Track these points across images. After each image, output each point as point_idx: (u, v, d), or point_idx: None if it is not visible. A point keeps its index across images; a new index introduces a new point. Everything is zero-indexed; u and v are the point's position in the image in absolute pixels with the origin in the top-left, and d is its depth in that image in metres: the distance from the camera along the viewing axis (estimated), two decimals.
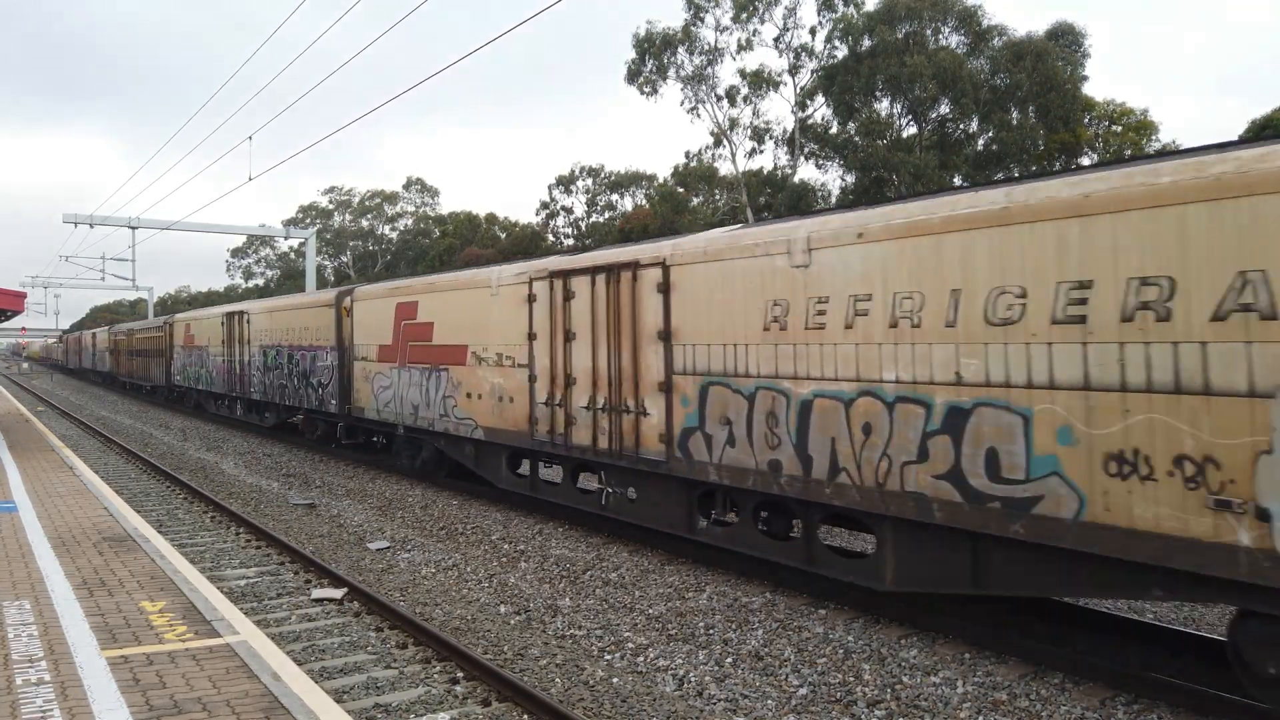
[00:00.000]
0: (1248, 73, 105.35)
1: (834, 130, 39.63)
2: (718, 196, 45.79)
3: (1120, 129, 37.59)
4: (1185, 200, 6.80)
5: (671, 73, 40.45)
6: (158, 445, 27.91)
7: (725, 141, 42.39)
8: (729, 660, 9.00)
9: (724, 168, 44.87)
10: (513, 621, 10.30)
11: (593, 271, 13.03)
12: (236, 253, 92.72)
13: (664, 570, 12.21)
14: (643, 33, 39.87)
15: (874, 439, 9.04)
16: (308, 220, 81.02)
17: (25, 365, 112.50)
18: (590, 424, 13.09)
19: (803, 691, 8.22)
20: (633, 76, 40.80)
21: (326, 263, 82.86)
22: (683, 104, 41.48)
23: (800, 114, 40.54)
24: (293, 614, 10.42)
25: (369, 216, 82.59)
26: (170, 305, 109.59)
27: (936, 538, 8.87)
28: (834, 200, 40.54)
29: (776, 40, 39.83)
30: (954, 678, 8.42)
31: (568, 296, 13.61)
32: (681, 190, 49.63)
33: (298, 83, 50.74)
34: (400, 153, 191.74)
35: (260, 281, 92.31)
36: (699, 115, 41.59)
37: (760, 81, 40.47)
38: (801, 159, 40.88)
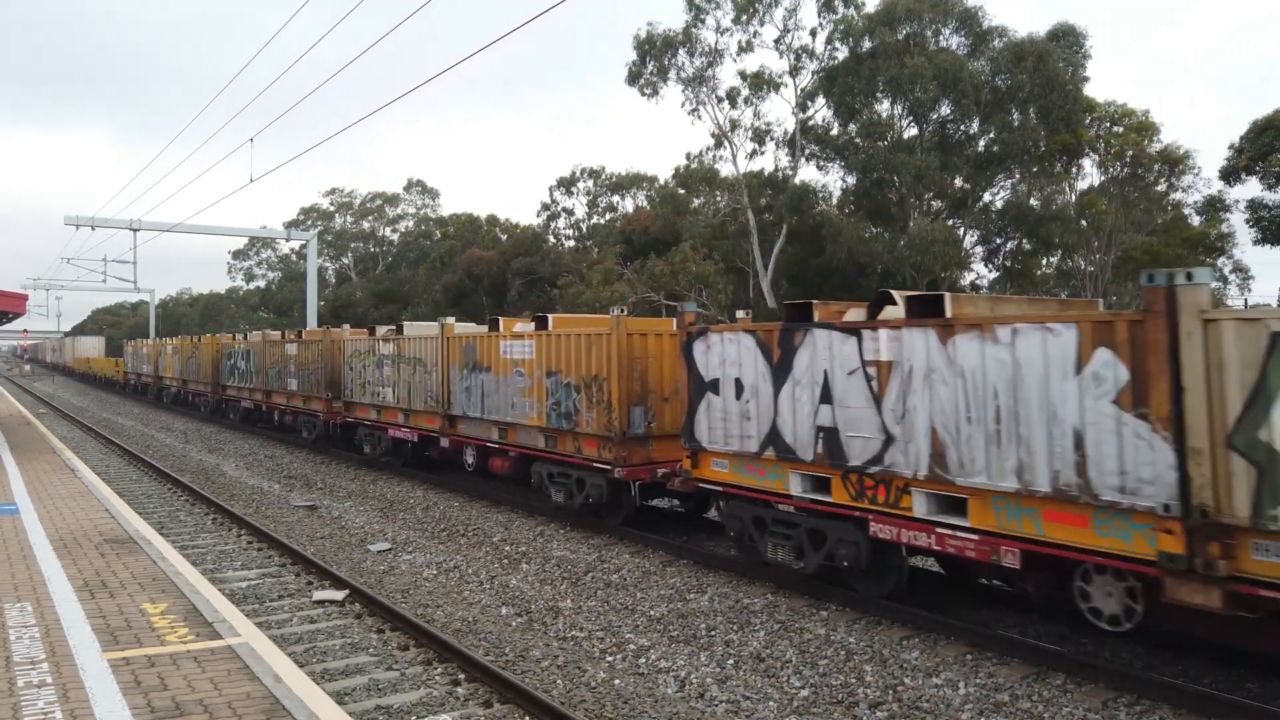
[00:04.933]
0: (1248, 74, 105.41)
1: (835, 132, 39.56)
2: (719, 198, 45.70)
3: (1121, 130, 37.54)
4: None
5: (672, 74, 40.36)
6: (159, 448, 27.92)
7: (726, 143, 42.33)
8: (730, 662, 9.00)
9: (725, 169, 44.80)
10: (514, 623, 10.30)
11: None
12: (238, 254, 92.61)
13: (665, 572, 12.21)
14: (643, 34, 39.85)
15: None
16: (309, 222, 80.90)
17: (27, 368, 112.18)
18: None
19: (804, 693, 8.22)
20: (633, 78, 40.71)
21: (328, 264, 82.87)
22: (683, 105, 41.38)
23: (801, 115, 40.48)
24: (294, 616, 10.42)
25: (370, 218, 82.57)
26: (171, 307, 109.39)
27: None
28: (834, 201, 40.53)
29: (777, 42, 39.73)
30: (956, 679, 8.41)
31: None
32: (682, 192, 49.58)
33: (298, 85, 50.81)
34: (401, 154, 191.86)
35: (261, 284, 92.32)
36: (700, 117, 41.52)
37: (761, 83, 40.39)
38: (802, 160, 40.82)
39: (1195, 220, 37.73)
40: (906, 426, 9.38)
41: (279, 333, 30.65)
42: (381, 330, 22.11)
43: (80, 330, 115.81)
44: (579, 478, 14.90)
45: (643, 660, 9.06)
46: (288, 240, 72.00)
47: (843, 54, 38.18)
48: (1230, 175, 31.34)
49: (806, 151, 40.98)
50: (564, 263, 48.58)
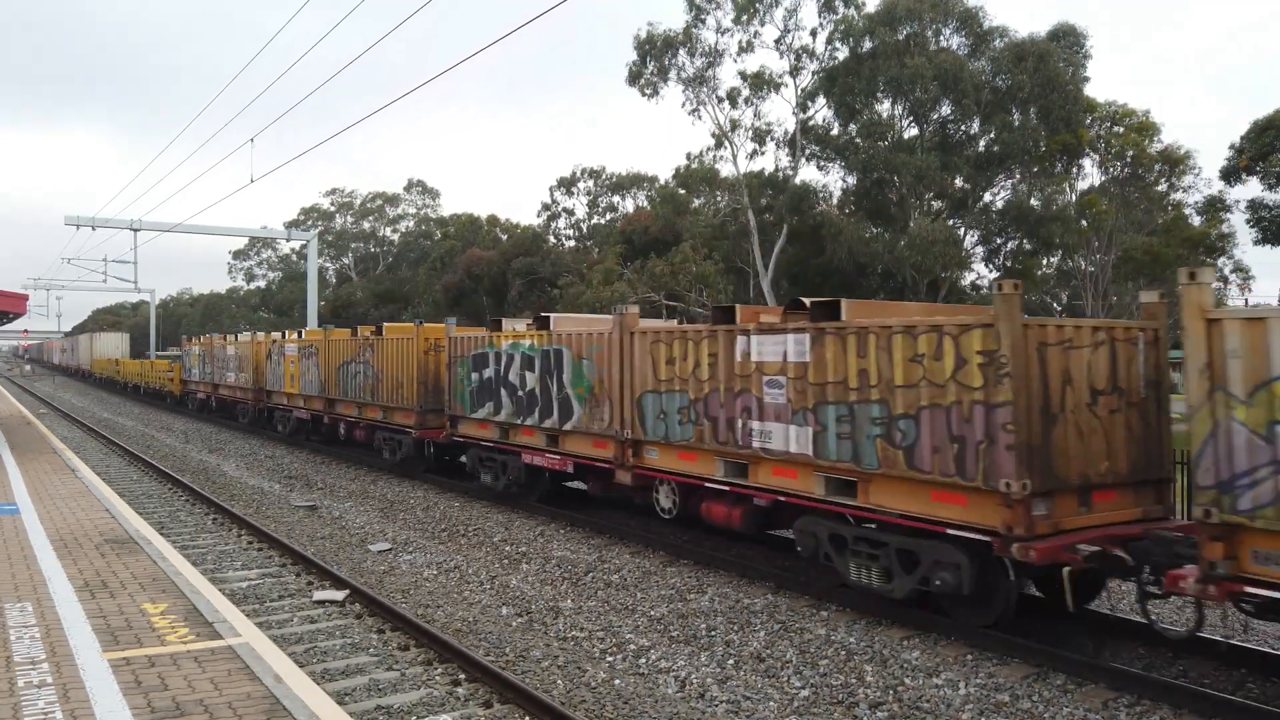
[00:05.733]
0: (1249, 74, 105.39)
1: (835, 132, 39.57)
2: (719, 198, 45.72)
3: (1122, 130, 37.56)
4: None
5: (673, 74, 40.38)
6: (160, 448, 27.92)
7: (726, 143, 42.31)
8: (731, 662, 9.00)
9: (725, 169, 44.82)
10: (514, 623, 10.30)
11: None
12: (238, 255, 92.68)
13: (665, 572, 12.21)
14: (643, 34, 39.85)
15: None
16: (309, 222, 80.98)
17: (28, 368, 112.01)
18: None
19: (805, 693, 8.22)
20: (634, 78, 40.71)
21: (329, 264, 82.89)
22: (684, 106, 41.39)
23: (801, 115, 40.50)
24: (294, 616, 10.42)
25: (370, 218, 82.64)
26: (171, 307, 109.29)
27: None
28: (835, 201, 40.50)
29: (777, 42, 39.73)
30: (956, 679, 8.41)
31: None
32: (683, 192, 49.59)
33: (299, 85, 50.90)
34: (401, 154, 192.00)
35: (262, 284, 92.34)
36: (700, 117, 41.52)
37: (761, 83, 40.39)
38: (803, 160, 40.83)
39: (1195, 220, 37.77)
40: None
41: (665, 318, 16.18)
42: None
43: (82, 329, 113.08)
44: None
45: (643, 660, 9.06)
46: (288, 240, 72.03)
47: (843, 54, 38.19)
48: (1230, 175, 31.37)
49: (807, 152, 40.99)
50: (564, 263, 48.59)
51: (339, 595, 11.03)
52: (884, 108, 38.12)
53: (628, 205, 58.81)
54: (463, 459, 18.55)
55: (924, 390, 9.48)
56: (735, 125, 41.85)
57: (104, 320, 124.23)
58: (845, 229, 36.17)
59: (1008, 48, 36.14)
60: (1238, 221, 34.68)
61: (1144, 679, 8.05)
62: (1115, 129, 37.74)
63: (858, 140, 37.77)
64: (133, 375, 51.21)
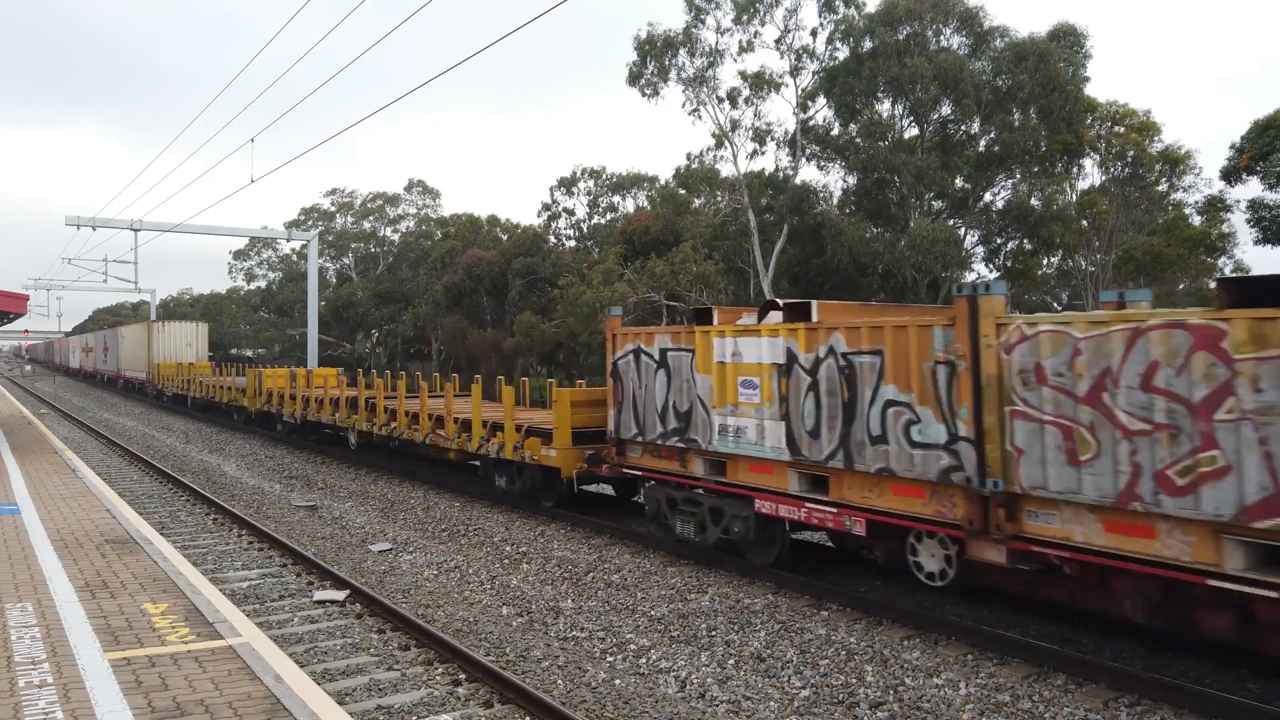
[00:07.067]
0: (1251, 75, 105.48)
1: (835, 132, 39.53)
2: (719, 198, 45.68)
3: (1122, 130, 37.51)
4: None
5: (673, 75, 40.32)
6: (160, 448, 27.92)
7: (727, 143, 42.26)
8: (731, 662, 9.00)
9: (726, 169, 44.79)
10: (515, 623, 10.30)
11: None
12: (239, 255, 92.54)
13: (666, 572, 12.22)
14: (643, 34, 39.81)
15: None
16: (309, 222, 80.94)
17: (29, 368, 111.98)
18: None
19: (805, 693, 8.22)
20: (634, 79, 40.64)
21: (329, 265, 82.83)
22: (684, 106, 41.36)
23: (801, 115, 40.44)
24: (295, 616, 10.42)
25: (371, 218, 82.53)
26: (172, 308, 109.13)
27: None
28: (835, 201, 40.47)
29: (777, 42, 39.66)
30: (957, 679, 8.42)
31: None
32: (683, 192, 49.53)
33: (299, 85, 51.01)
34: (401, 154, 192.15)
35: (262, 284, 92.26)
36: (700, 117, 41.45)
37: (761, 83, 40.33)
38: (803, 160, 40.79)
39: (1196, 220, 37.76)
40: None
41: None
42: None
43: (82, 329, 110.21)
44: None
45: (643, 660, 9.06)
46: (288, 240, 72.04)
47: (843, 54, 38.16)
48: (1231, 175, 31.31)
49: (807, 151, 40.96)
50: (565, 263, 48.58)
51: (339, 595, 11.04)
52: (884, 108, 38.08)
53: (628, 205, 58.74)
54: None
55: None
56: (735, 125, 41.81)
57: (104, 320, 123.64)
58: (846, 229, 36.14)
59: (1008, 48, 36.09)
60: (1238, 221, 34.67)
61: (1144, 679, 8.06)
62: (1116, 129, 37.69)
63: (858, 140, 37.73)
64: (342, 415, 22.92)
